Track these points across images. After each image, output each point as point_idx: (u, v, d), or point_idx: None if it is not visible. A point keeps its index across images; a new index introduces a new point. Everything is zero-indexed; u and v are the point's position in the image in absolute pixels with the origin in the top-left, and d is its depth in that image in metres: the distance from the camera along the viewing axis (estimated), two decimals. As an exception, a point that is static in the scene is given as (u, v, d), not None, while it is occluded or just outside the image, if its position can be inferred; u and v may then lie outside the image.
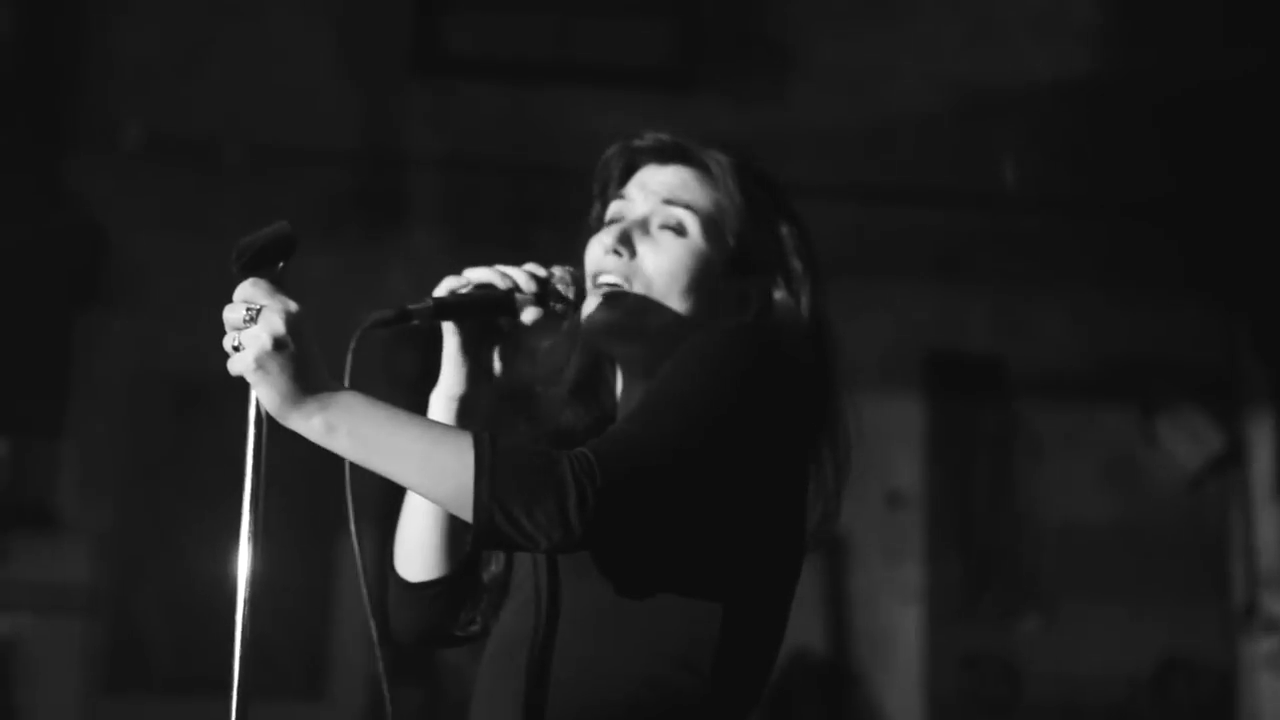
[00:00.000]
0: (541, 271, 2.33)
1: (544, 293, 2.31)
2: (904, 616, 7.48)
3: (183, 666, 6.91)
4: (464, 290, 2.29)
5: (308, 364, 2.06)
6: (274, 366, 2.04)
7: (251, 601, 2.10)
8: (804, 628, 7.23)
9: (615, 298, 2.36)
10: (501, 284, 2.30)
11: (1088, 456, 7.64)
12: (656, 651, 2.18)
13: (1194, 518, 7.64)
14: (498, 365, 2.38)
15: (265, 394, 2.05)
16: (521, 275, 2.31)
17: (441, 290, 2.29)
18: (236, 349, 2.06)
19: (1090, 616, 7.43)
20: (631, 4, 7.74)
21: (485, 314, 2.32)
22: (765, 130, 7.20)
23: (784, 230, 2.42)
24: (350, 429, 2.05)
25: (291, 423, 2.06)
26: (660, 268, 2.36)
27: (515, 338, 2.36)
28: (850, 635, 7.43)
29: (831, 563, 7.38)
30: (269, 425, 2.10)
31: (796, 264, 2.40)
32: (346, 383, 2.11)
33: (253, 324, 2.05)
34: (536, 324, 2.32)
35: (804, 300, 2.39)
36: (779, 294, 2.39)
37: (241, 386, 2.08)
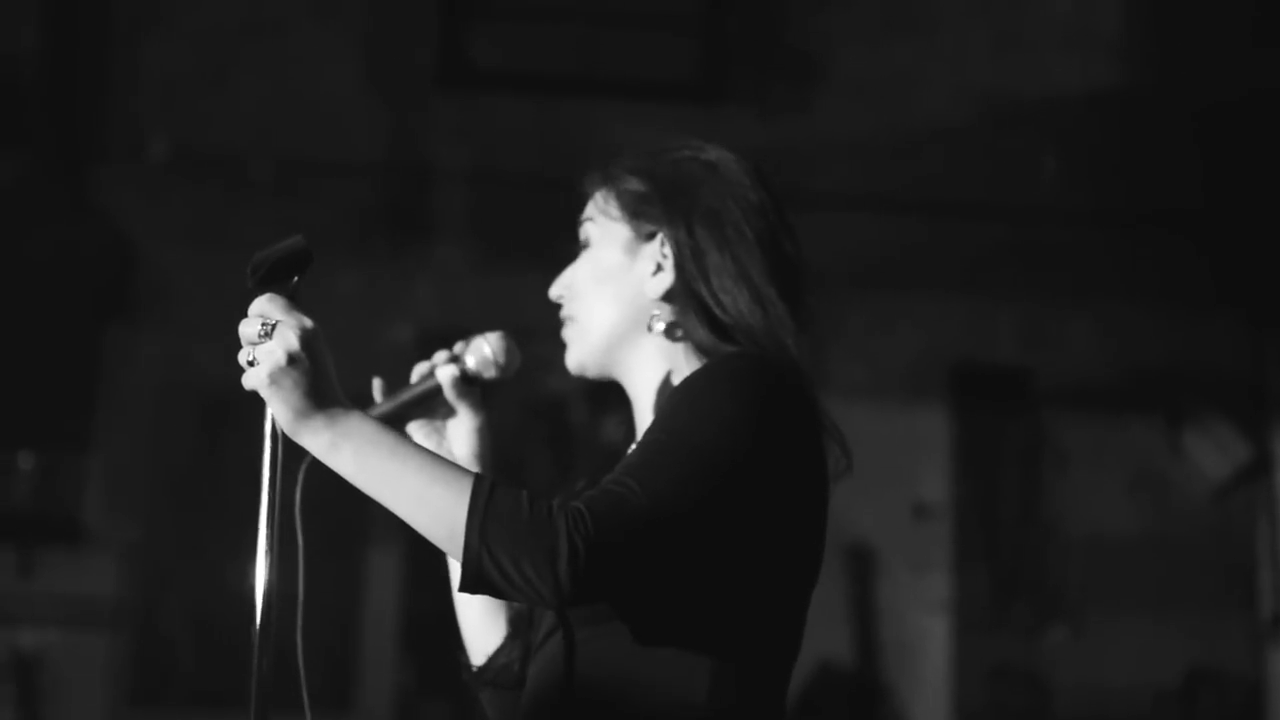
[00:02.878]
0: (456, 348, 2.49)
1: (459, 365, 2.48)
2: (931, 628, 7.46)
3: (208, 680, 6.92)
4: (386, 404, 2.47)
5: (320, 380, 2.07)
6: (287, 382, 2.05)
7: (274, 614, 2.11)
8: (831, 639, 7.22)
9: (567, 336, 2.47)
10: (418, 376, 2.50)
11: (1115, 468, 7.62)
12: (668, 692, 2.17)
13: (1221, 529, 7.62)
14: (470, 433, 2.52)
15: (278, 409, 2.07)
16: (439, 359, 2.49)
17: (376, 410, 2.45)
18: (251, 364, 2.07)
19: (1117, 628, 7.41)
20: (657, 16, 7.75)
21: (417, 409, 2.51)
22: (791, 142, 7.20)
23: (638, 187, 2.44)
24: (354, 450, 2.06)
25: (301, 438, 2.08)
26: (578, 282, 2.46)
27: (475, 401, 2.51)
28: (877, 646, 7.42)
29: (858, 574, 7.37)
30: (288, 440, 2.11)
31: (658, 209, 2.42)
32: (297, 515, 2.19)
33: (268, 339, 2.06)
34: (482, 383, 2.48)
35: (686, 255, 2.39)
36: (669, 247, 2.41)
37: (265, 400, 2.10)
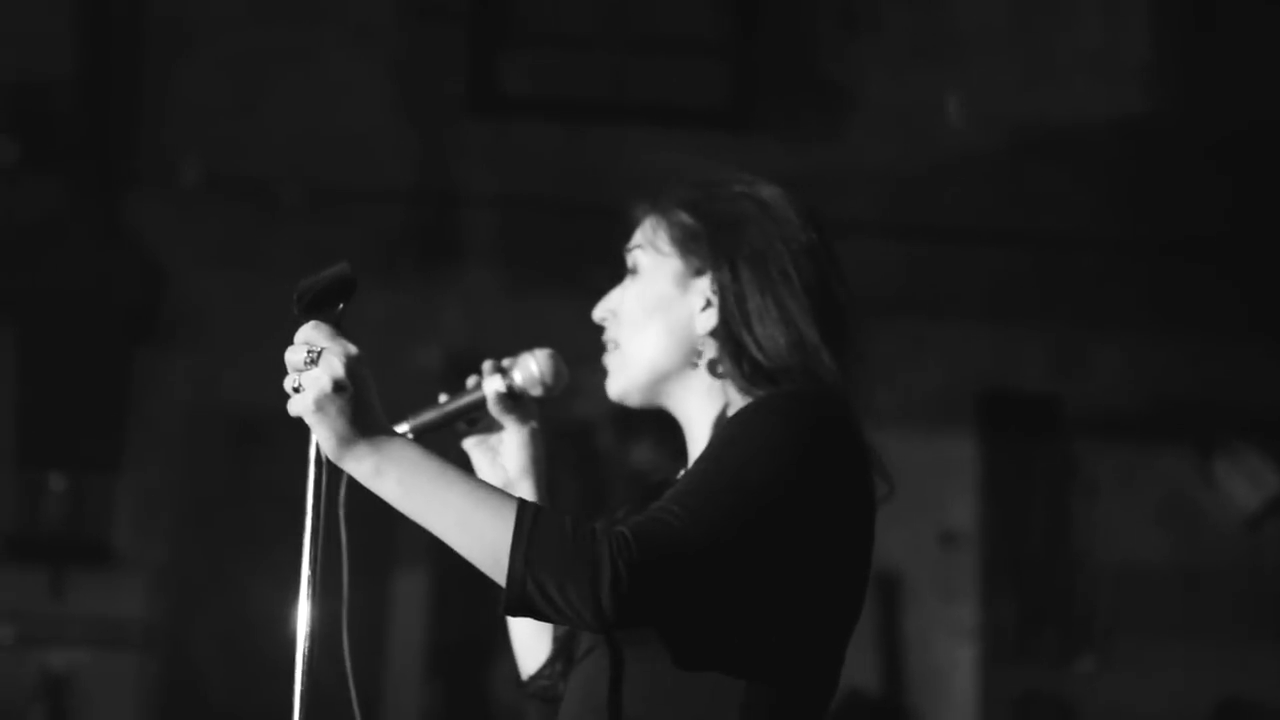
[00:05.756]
0: (504, 362, 2.49)
1: (505, 379, 2.49)
2: (959, 657, 7.44)
3: (237, 703, 6.92)
4: (431, 412, 2.48)
5: (365, 407, 2.08)
6: (332, 409, 2.06)
7: (318, 640, 2.12)
8: (858, 668, 7.15)
9: (609, 364, 2.47)
10: (472, 384, 2.50)
11: (1144, 496, 7.59)
12: (711, 715, 2.19)
13: (1251, 558, 7.59)
14: (519, 446, 2.53)
15: (322, 435, 2.08)
16: (485, 370, 2.50)
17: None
18: (297, 390, 2.08)
19: (1146, 657, 7.37)
20: (686, 43, 7.77)
21: (459, 419, 2.52)
22: (820, 170, 7.19)
23: (687, 222, 2.44)
24: (399, 476, 2.08)
25: (345, 464, 2.09)
26: (625, 311, 2.46)
27: (526, 421, 2.53)
28: (904, 675, 7.40)
29: (886, 602, 7.35)
30: (329, 466, 2.12)
31: (705, 247, 2.42)
32: (342, 525, 2.20)
33: (313, 366, 2.07)
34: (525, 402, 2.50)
35: (729, 296, 2.39)
36: (723, 288, 2.40)
37: (298, 424, 2.11)
